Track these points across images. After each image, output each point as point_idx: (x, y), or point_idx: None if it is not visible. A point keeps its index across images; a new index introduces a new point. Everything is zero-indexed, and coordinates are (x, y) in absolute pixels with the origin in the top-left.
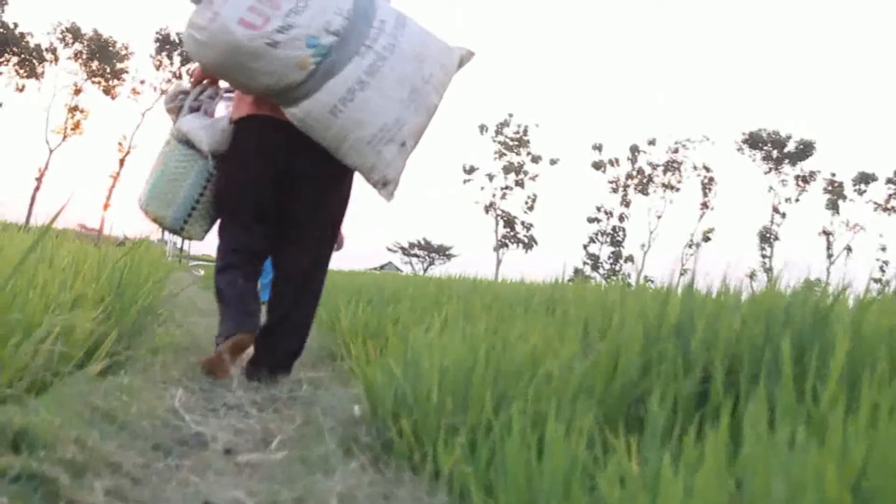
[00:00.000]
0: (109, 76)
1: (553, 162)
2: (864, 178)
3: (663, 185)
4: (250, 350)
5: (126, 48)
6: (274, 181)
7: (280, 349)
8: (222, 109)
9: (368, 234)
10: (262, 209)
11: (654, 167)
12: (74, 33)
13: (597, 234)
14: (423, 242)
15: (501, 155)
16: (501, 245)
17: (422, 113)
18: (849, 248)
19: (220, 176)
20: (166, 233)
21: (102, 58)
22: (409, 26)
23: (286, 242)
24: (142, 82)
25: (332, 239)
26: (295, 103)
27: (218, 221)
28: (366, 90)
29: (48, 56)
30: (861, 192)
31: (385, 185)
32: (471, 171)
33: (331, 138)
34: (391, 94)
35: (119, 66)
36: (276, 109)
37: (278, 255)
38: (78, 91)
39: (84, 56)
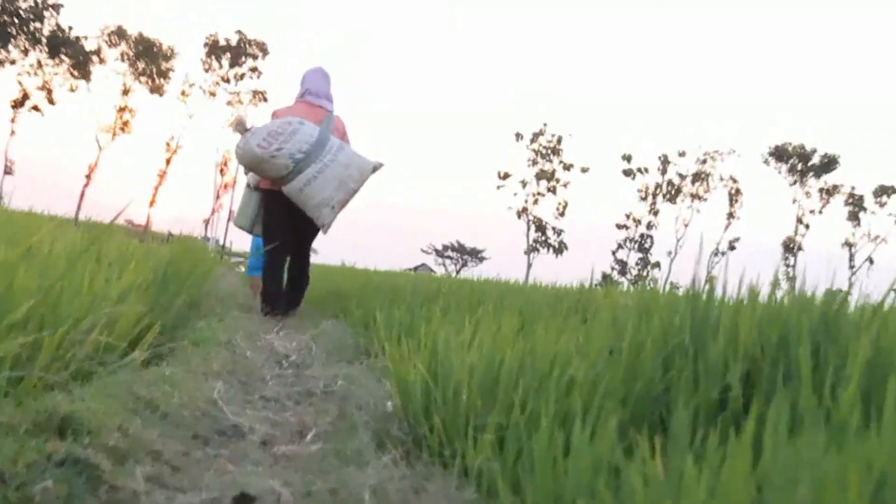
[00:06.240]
0: (156, 75)
1: (584, 170)
2: (884, 191)
3: (691, 195)
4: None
5: (171, 49)
6: (286, 224)
7: (293, 296)
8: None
9: (404, 236)
10: (282, 235)
11: (683, 177)
12: (120, 34)
13: (625, 241)
14: (456, 245)
15: (535, 162)
16: (532, 249)
17: (343, 192)
18: (870, 260)
19: (262, 219)
20: (209, 231)
21: (148, 57)
22: (345, 150)
23: (294, 251)
24: (190, 85)
25: (309, 248)
26: (285, 184)
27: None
28: (316, 180)
29: (94, 58)
30: (882, 205)
31: (324, 226)
32: (505, 177)
33: (300, 203)
34: (329, 184)
35: (165, 65)
36: (280, 186)
37: (291, 258)
38: (126, 91)
39: (131, 56)
